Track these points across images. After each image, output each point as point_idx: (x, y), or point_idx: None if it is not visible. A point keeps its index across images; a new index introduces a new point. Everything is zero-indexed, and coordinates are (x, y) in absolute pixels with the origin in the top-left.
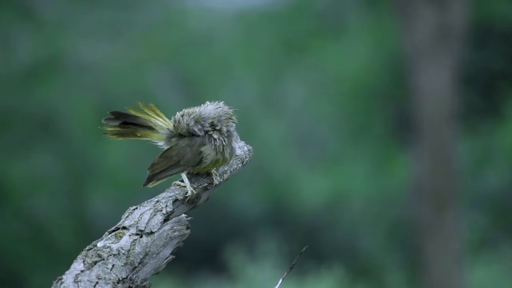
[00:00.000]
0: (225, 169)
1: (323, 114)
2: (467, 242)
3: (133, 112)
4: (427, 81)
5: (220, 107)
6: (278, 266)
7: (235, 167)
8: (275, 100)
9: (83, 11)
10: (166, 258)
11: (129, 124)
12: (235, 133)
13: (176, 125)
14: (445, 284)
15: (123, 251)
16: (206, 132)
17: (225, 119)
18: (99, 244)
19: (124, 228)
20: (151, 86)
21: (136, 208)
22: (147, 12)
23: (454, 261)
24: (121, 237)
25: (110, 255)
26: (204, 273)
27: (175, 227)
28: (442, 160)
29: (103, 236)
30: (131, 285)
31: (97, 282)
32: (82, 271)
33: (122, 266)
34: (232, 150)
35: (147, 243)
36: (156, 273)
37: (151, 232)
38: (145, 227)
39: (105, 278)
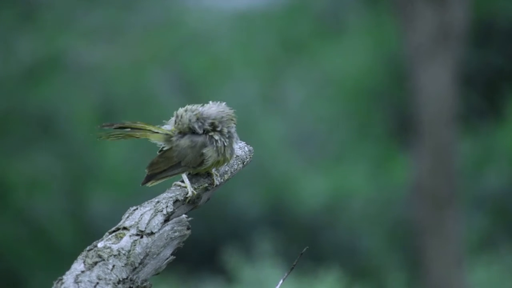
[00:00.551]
0: (226, 169)
1: (323, 114)
2: (467, 242)
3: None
4: (427, 81)
5: (222, 108)
6: (278, 266)
7: (235, 167)
8: (275, 100)
9: (83, 11)
10: (167, 258)
11: (125, 128)
12: (235, 134)
13: (178, 120)
14: (445, 284)
15: (123, 252)
16: (205, 131)
17: (226, 120)
18: (100, 244)
19: (124, 228)
20: (151, 87)
21: (137, 208)
22: (147, 13)
23: (454, 261)
24: (121, 237)
25: (111, 255)
26: (204, 273)
27: (175, 228)
28: (442, 160)
29: (104, 236)
30: (131, 285)
31: (97, 283)
32: (82, 271)
33: (123, 266)
34: (233, 150)
35: (147, 243)
36: (157, 274)
37: (152, 233)
38: (145, 228)
39: (105, 278)
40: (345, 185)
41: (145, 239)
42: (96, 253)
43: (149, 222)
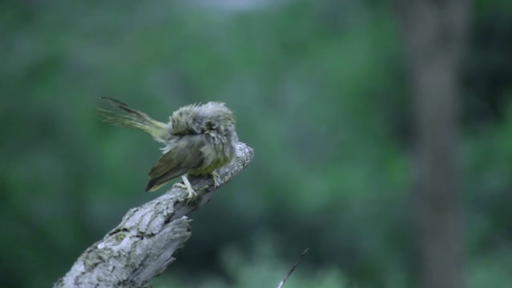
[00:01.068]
0: (226, 171)
1: (323, 115)
2: (468, 244)
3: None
4: (427, 82)
5: (219, 108)
6: (278, 267)
7: (236, 169)
8: (275, 101)
9: (83, 12)
10: (167, 260)
11: (124, 108)
12: (234, 133)
13: (174, 124)
14: (445, 285)
15: (123, 253)
16: (203, 131)
17: (223, 119)
18: (100, 246)
19: (124, 230)
20: (151, 87)
21: (137, 210)
22: (147, 14)
23: (454, 263)
24: (121, 239)
25: (111, 257)
26: (204, 275)
27: (176, 229)
28: (442, 162)
29: (104, 238)
30: (131, 287)
31: (97, 284)
32: (82, 273)
33: (123, 268)
34: (232, 149)
35: (147, 245)
36: (157, 275)
37: (152, 234)
38: (146, 229)
39: (105, 280)
40: (345, 186)
41: (145, 241)
42: (97, 254)
43: (149, 223)
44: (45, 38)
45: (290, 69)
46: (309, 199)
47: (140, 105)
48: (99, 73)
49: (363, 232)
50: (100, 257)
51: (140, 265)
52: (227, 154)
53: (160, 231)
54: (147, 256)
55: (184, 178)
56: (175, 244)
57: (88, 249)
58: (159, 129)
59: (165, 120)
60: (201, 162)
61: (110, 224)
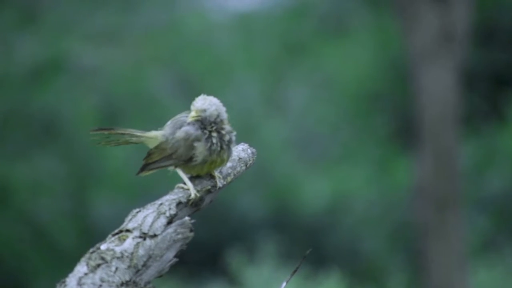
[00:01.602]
0: (229, 171)
1: (325, 116)
2: (470, 244)
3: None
4: (429, 83)
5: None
6: (281, 268)
7: (238, 169)
8: (277, 102)
9: (85, 14)
10: (170, 261)
11: (111, 131)
12: (233, 138)
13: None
14: (448, 286)
15: (126, 254)
16: (210, 130)
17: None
18: (103, 246)
19: (127, 230)
20: (152, 89)
21: (140, 210)
22: (148, 15)
23: (456, 263)
24: (124, 239)
25: (114, 257)
26: (207, 276)
27: (178, 230)
28: (444, 162)
29: (107, 238)
30: (134, 287)
31: (100, 285)
32: (85, 273)
33: (126, 268)
34: (230, 152)
35: (150, 245)
36: (160, 276)
37: (155, 235)
38: (148, 230)
39: (108, 280)
40: (347, 187)
41: (148, 242)
42: (99, 255)
43: (152, 224)
44: (47, 40)
45: (292, 70)
46: (311, 200)
47: (142, 107)
48: (101, 74)
49: (365, 233)
50: (103, 258)
51: (143, 266)
52: (225, 157)
53: (162, 232)
54: (149, 257)
55: (186, 179)
56: (178, 245)
57: (91, 250)
58: (152, 139)
59: (164, 122)
60: (190, 158)
61: (113, 225)
